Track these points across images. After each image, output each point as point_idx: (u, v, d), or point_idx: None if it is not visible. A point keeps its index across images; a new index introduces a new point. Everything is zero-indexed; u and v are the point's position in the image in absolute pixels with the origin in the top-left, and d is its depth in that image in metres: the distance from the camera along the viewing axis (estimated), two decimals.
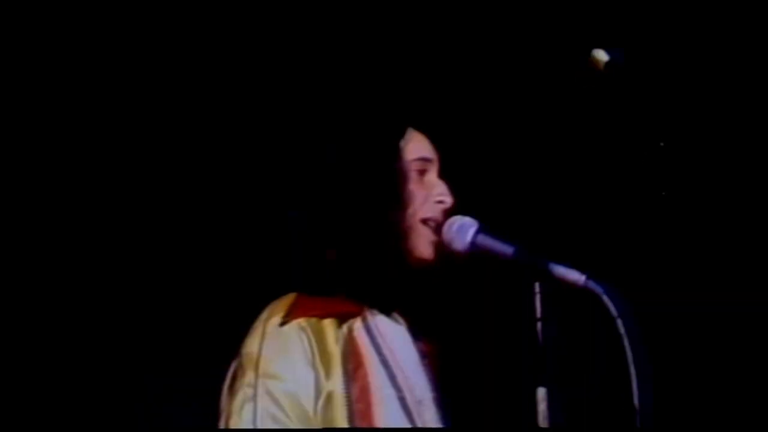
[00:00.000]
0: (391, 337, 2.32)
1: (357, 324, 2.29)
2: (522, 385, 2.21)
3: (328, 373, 2.20)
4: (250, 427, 2.15)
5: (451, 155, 2.45)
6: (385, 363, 2.28)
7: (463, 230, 2.32)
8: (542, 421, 2.15)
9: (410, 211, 2.33)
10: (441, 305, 2.37)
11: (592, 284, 2.15)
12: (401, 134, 2.39)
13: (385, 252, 2.29)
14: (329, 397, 2.19)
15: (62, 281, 3.46)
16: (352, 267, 2.29)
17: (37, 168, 3.44)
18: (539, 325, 2.18)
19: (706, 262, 3.59)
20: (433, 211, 2.35)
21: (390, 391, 2.25)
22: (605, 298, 2.11)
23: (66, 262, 3.48)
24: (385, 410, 2.22)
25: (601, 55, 3.40)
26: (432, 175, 2.40)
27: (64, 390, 3.44)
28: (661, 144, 3.38)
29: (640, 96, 3.32)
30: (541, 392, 2.16)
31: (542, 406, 2.16)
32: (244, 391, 2.19)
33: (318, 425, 2.18)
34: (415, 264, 2.34)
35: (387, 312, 2.34)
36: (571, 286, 2.17)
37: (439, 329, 2.37)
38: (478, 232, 2.31)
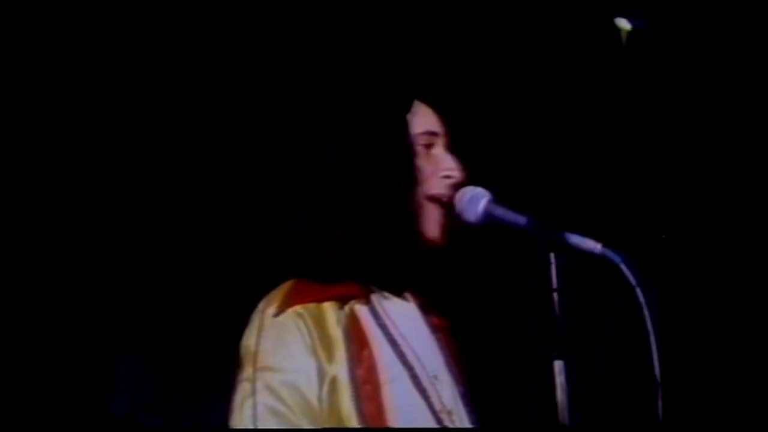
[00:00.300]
0: (398, 315, 2.25)
1: (359, 305, 2.22)
2: (538, 356, 2.16)
3: (330, 358, 2.13)
4: (251, 423, 2.09)
5: (461, 127, 2.38)
6: (392, 342, 2.21)
7: (475, 200, 2.26)
8: (560, 393, 2.11)
9: (419, 188, 2.26)
10: (452, 281, 2.30)
11: (609, 253, 2.09)
12: (408, 107, 2.31)
13: (397, 230, 2.22)
14: (333, 382, 2.12)
15: (64, 279, 3.46)
16: (362, 246, 2.22)
17: (37, 165, 3.43)
18: (555, 296, 2.14)
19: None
20: (440, 186, 2.29)
21: (399, 370, 2.19)
22: (623, 267, 2.06)
23: (68, 261, 3.47)
24: (395, 389, 2.15)
25: (624, 25, 3.36)
26: (439, 149, 2.32)
27: (66, 389, 3.44)
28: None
29: (661, 65, 3.28)
30: (559, 365, 2.12)
31: (560, 379, 2.13)
32: (243, 387, 2.13)
33: (323, 414, 2.11)
34: (425, 244, 2.26)
35: (396, 292, 2.28)
36: (586, 255, 2.11)
37: (451, 304, 2.31)
38: (490, 202, 2.25)
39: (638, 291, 2.03)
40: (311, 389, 2.11)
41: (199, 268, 3.56)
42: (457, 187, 2.29)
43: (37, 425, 3.39)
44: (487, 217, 2.24)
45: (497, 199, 2.27)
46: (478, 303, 2.24)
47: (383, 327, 2.21)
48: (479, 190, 2.28)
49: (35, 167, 3.44)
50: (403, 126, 2.28)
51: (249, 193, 3.55)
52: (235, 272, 3.50)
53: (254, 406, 2.09)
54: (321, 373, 2.12)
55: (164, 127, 3.56)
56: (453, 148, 2.35)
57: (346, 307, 2.19)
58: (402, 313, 2.27)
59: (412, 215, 2.23)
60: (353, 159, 2.26)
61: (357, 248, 2.22)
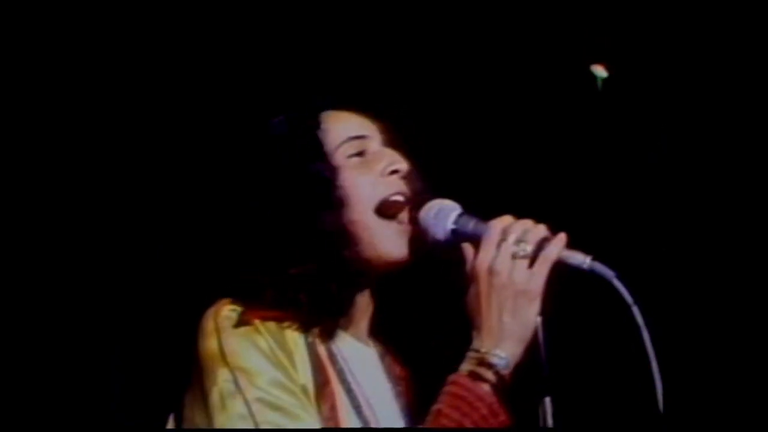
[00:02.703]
0: (355, 361, 2.00)
1: (319, 341, 1.96)
2: (520, 395, 1.89)
3: (294, 368, 1.88)
4: (246, 421, 1.80)
5: (420, 136, 2.12)
6: (348, 390, 1.95)
7: (442, 215, 1.97)
8: None
9: (354, 204, 1.98)
10: (415, 317, 2.05)
11: (599, 267, 1.83)
12: (315, 124, 2.03)
13: (330, 265, 1.95)
14: (305, 390, 1.88)
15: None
16: (289, 285, 1.95)
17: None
18: (538, 321, 1.86)
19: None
20: (389, 186, 2.00)
21: (355, 420, 1.93)
22: (616, 283, 1.79)
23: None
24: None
25: (600, 72, 3.26)
26: (373, 149, 2.04)
27: (69, 388, 3.25)
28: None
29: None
30: (547, 403, 1.86)
31: (548, 419, 1.85)
32: (219, 388, 1.83)
33: (313, 410, 1.86)
34: (383, 267, 1.99)
35: (353, 333, 2.03)
36: (573, 270, 1.84)
37: (414, 348, 2.05)
38: (460, 215, 1.97)
39: (634, 310, 1.76)
40: (294, 387, 1.86)
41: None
42: (409, 178, 2.02)
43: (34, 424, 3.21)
44: (458, 233, 1.95)
45: (468, 211, 1.98)
46: (447, 340, 1.96)
47: (340, 372, 1.96)
48: (447, 202, 2.00)
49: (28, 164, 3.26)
50: (311, 147, 2.01)
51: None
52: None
53: (246, 403, 1.82)
54: (292, 379, 1.87)
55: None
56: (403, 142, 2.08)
57: (308, 336, 1.94)
58: (360, 359, 2.01)
59: (344, 242, 1.96)
60: (261, 196, 2.02)
61: (281, 287, 1.95)
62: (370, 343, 2.06)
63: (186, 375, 1.94)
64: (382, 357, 2.06)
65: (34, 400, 3.17)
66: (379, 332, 2.07)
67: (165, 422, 1.97)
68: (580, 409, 1.95)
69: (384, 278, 2.02)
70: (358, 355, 2.02)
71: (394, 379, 2.05)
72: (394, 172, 2.01)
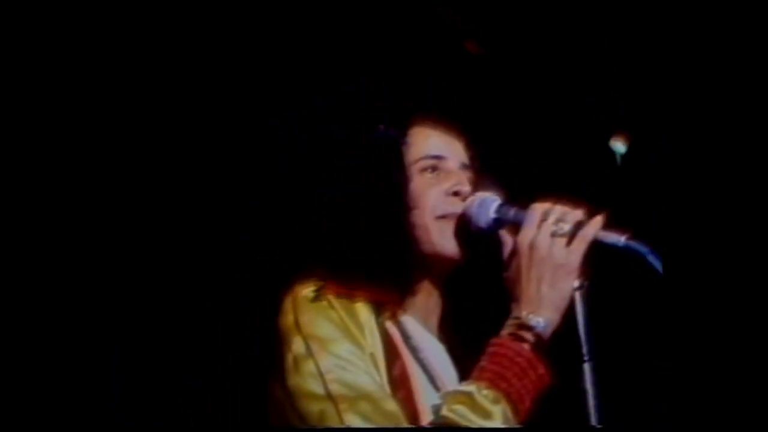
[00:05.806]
0: (429, 349, 2.21)
1: (390, 323, 2.17)
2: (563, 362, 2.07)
3: (363, 337, 2.08)
4: (316, 380, 2.00)
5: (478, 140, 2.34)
6: (423, 366, 2.16)
7: (484, 205, 2.19)
8: (589, 400, 2.01)
9: (420, 210, 2.21)
10: (480, 317, 2.23)
11: (634, 244, 2.02)
12: (402, 137, 2.28)
13: (391, 255, 2.16)
14: (373, 358, 2.07)
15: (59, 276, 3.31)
16: (363, 269, 2.17)
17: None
18: (577, 295, 2.05)
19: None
20: (449, 205, 2.23)
21: (430, 387, 2.14)
22: (650, 259, 1.98)
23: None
24: (426, 400, 2.09)
25: (620, 148, 3.40)
26: (446, 169, 2.28)
27: (69, 388, 3.28)
28: None
29: None
30: (587, 369, 2.01)
31: (588, 385, 2.02)
32: (293, 353, 2.04)
33: (378, 375, 2.05)
34: (442, 263, 2.23)
35: (423, 323, 2.24)
36: (608, 249, 2.03)
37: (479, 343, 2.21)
38: (501, 206, 2.19)
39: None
40: (362, 354, 2.06)
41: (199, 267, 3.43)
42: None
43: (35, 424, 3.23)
44: (500, 220, 2.18)
45: (507, 201, 2.21)
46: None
47: (414, 350, 2.17)
48: (488, 194, 2.22)
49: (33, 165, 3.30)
50: (394, 158, 2.25)
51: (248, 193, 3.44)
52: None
53: (316, 364, 2.02)
54: (360, 346, 2.07)
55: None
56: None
57: (379, 316, 2.15)
58: (432, 349, 2.22)
59: (406, 239, 2.18)
60: (344, 191, 2.25)
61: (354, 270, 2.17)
62: (440, 339, 2.25)
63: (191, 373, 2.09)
64: (450, 351, 2.25)
65: (35, 400, 3.19)
66: (448, 330, 2.26)
67: (165, 422, 2.13)
68: (617, 374, 2.10)
69: (451, 281, 2.25)
70: (431, 345, 2.22)
71: (461, 370, 2.21)
72: (456, 193, 2.23)
